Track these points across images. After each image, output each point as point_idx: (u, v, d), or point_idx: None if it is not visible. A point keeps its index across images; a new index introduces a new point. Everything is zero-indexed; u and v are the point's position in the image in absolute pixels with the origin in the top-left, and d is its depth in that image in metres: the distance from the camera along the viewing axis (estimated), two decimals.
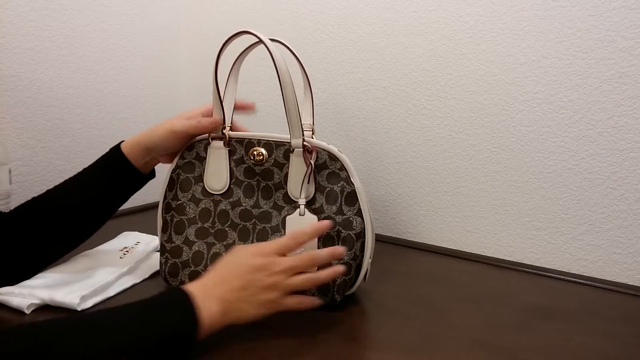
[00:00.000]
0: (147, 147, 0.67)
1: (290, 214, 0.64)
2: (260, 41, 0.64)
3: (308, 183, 0.63)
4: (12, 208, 0.68)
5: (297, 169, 0.64)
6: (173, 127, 0.66)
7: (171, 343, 0.48)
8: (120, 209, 0.70)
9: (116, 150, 0.68)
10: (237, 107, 0.72)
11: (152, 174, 0.73)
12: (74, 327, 0.45)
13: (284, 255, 0.57)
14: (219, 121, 0.67)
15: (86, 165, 0.70)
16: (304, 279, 0.57)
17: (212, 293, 0.53)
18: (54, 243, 0.67)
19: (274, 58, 0.62)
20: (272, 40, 0.66)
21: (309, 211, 0.63)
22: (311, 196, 0.64)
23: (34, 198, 0.67)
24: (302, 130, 0.63)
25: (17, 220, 0.65)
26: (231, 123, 0.70)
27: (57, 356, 0.42)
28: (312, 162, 0.62)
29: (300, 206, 0.62)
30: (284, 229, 0.65)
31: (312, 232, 0.59)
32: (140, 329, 0.47)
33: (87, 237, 0.70)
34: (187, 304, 0.50)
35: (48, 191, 0.68)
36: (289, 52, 0.75)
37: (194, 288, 0.52)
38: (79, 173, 0.69)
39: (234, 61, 0.72)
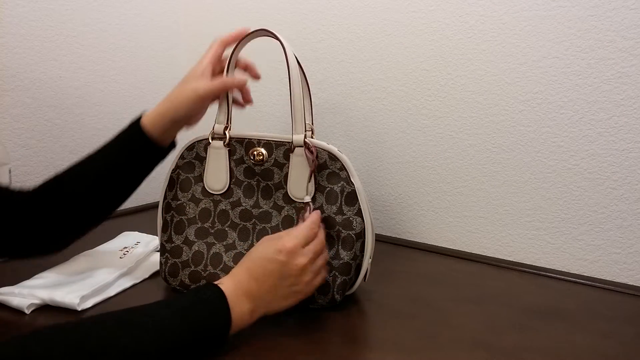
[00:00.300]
0: (171, 119, 0.64)
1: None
2: (276, 38, 0.65)
3: (312, 180, 0.63)
4: None
5: (297, 168, 0.64)
6: (197, 92, 0.64)
7: (202, 342, 0.49)
8: (120, 209, 0.70)
9: (136, 127, 0.65)
10: (241, 67, 0.71)
11: (172, 145, 0.70)
12: (122, 324, 0.46)
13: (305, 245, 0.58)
14: (244, 81, 0.67)
15: None
16: (322, 263, 0.59)
17: (243, 291, 0.53)
18: (77, 220, 0.65)
19: (286, 53, 0.64)
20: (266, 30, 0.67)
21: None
22: (311, 196, 0.64)
23: (56, 175, 0.65)
24: (305, 126, 0.64)
25: (39, 198, 0.63)
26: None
27: (114, 351, 0.43)
28: (315, 157, 0.63)
29: (310, 204, 0.63)
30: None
31: (318, 221, 0.61)
32: (179, 327, 0.48)
33: (111, 213, 0.68)
34: (221, 306, 0.51)
35: (70, 167, 0.65)
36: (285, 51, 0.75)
37: (226, 286, 0.53)
38: (99, 150, 0.66)
39: (236, 61, 0.72)
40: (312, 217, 0.60)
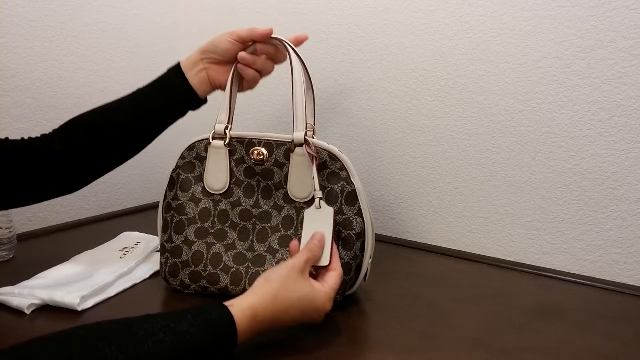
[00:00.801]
0: (202, 49, 0.69)
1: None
2: (280, 41, 0.67)
3: (317, 176, 0.63)
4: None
5: (297, 168, 0.64)
6: (230, 31, 0.68)
7: None
8: (120, 208, 0.70)
9: (174, 65, 0.70)
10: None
11: (204, 100, 0.72)
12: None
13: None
14: (270, 31, 0.68)
15: None
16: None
17: (259, 326, 0.51)
18: (102, 161, 0.68)
19: (289, 53, 0.66)
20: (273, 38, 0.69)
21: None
22: (311, 196, 0.64)
23: (80, 116, 0.67)
24: (306, 124, 0.64)
25: (65, 139, 0.65)
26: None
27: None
28: (316, 155, 0.62)
29: (317, 199, 0.62)
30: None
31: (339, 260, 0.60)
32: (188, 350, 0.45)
33: (133, 156, 0.70)
34: (230, 343, 0.48)
35: (96, 108, 0.68)
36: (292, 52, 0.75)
37: (243, 316, 0.49)
38: (133, 92, 0.70)
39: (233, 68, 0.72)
40: (338, 265, 0.58)
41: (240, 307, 0.50)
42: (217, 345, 0.47)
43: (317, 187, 0.62)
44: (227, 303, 0.50)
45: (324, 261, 0.59)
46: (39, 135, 0.66)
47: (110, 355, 0.40)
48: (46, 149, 0.64)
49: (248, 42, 0.69)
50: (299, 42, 0.72)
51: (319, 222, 0.61)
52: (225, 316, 0.48)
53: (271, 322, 0.52)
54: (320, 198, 0.62)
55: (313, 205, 0.62)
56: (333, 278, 0.57)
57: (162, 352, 0.43)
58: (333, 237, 0.60)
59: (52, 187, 0.66)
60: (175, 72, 0.69)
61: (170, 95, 0.69)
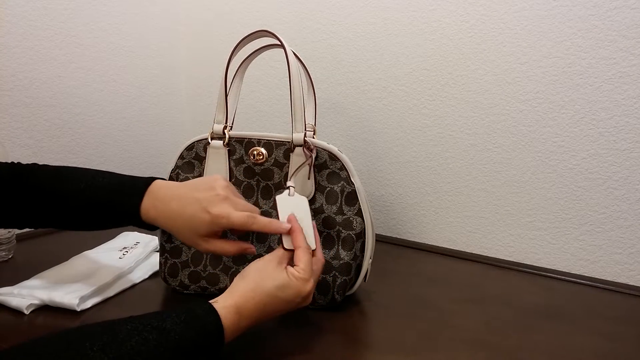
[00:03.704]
0: (170, 231, 0.60)
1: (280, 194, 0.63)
2: (276, 38, 0.65)
3: (312, 177, 0.62)
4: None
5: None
6: (230, 217, 0.56)
7: None
8: None
9: (136, 207, 0.59)
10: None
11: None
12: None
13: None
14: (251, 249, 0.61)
15: (86, 166, 0.69)
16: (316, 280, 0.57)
17: (245, 321, 0.50)
18: (32, 219, 0.62)
19: (286, 51, 0.63)
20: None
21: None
22: (311, 195, 0.64)
23: (38, 168, 0.62)
24: (305, 125, 0.63)
25: (8, 179, 0.60)
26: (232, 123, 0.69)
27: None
28: (313, 155, 0.62)
29: (290, 188, 0.60)
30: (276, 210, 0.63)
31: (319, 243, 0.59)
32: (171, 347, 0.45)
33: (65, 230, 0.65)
34: (216, 339, 0.48)
35: (56, 173, 0.62)
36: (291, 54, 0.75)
37: (227, 313, 0.49)
38: (91, 182, 0.61)
39: (242, 61, 0.72)
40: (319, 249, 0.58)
41: (223, 304, 0.50)
42: (204, 342, 0.47)
43: (290, 178, 0.62)
44: (210, 301, 0.50)
45: (311, 244, 0.57)
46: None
47: (93, 356, 0.40)
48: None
49: None
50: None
51: (294, 208, 0.59)
52: (210, 312, 0.48)
53: (257, 316, 0.51)
54: (293, 187, 0.60)
55: (285, 192, 0.60)
56: (300, 256, 0.55)
57: (146, 350, 0.42)
58: (313, 220, 0.59)
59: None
60: (131, 216, 0.60)
61: (119, 218, 0.61)
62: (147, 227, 0.61)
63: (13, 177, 0.61)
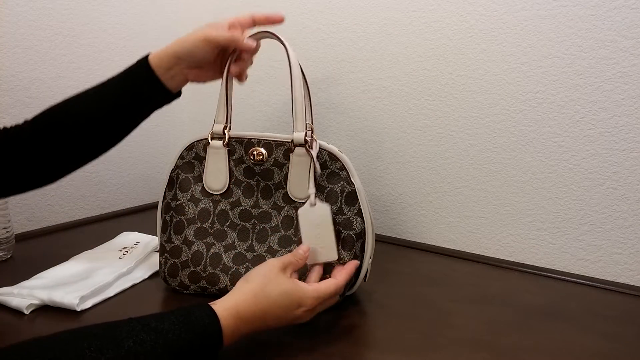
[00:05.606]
0: (176, 54, 0.64)
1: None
2: (276, 38, 0.65)
3: (315, 174, 0.62)
4: (9, 207, 0.67)
5: (297, 168, 0.64)
6: (207, 36, 0.63)
7: None
8: (119, 209, 0.70)
9: (142, 61, 0.65)
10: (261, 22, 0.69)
11: (178, 94, 0.69)
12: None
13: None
14: (252, 46, 0.65)
15: (86, 165, 0.69)
16: (331, 302, 0.58)
17: (244, 325, 0.50)
18: (71, 155, 0.65)
19: (288, 51, 0.64)
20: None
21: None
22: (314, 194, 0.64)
23: (51, 107, 0.64)
24: (306, 125, 0.63)
25: (32, 132, 0.63)
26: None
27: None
28: (315, 154, 0.62)
29: (311, 196, 0.61)
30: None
31: (347, 278, 0.59)
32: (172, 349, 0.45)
33: (106, 152, 0.67)
34: (215, 341, 0.48)
35: (66, 100, 0.65)
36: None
37: (228, 315, 0.49)
38: (100, 84, 0.65)
39: (228, 60, 0.71)
40: (341, 279, 0.58)
41: (223, 306, 0.50)
42: (202, 343, 0.47)
43: (312, 185, 0.61)
44: (210, 303, 0.50)
45: (333, 255, 0.59)
46: (15, 124, 0.64)
47: (90, 356, 0.40)
48: (17, 139, 0.62)
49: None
50: (270, 21, 0.69)
51: (316, 219, 0.60)
52: (209, 314, 0.48)
53: (256, 321, 0.51)
54: (315, 194, 0.61)
55: (307, 203, 0.61)
56: (326, 284, 0.56)
57: (143, 351, 0.42)
58: (336, 231, 0.60)
59: (25, 178, 0.64)
60: (146, 78, 0.65)
61: (142, 99, 0.66)
62: None
63: (47, 123, 0.63)
